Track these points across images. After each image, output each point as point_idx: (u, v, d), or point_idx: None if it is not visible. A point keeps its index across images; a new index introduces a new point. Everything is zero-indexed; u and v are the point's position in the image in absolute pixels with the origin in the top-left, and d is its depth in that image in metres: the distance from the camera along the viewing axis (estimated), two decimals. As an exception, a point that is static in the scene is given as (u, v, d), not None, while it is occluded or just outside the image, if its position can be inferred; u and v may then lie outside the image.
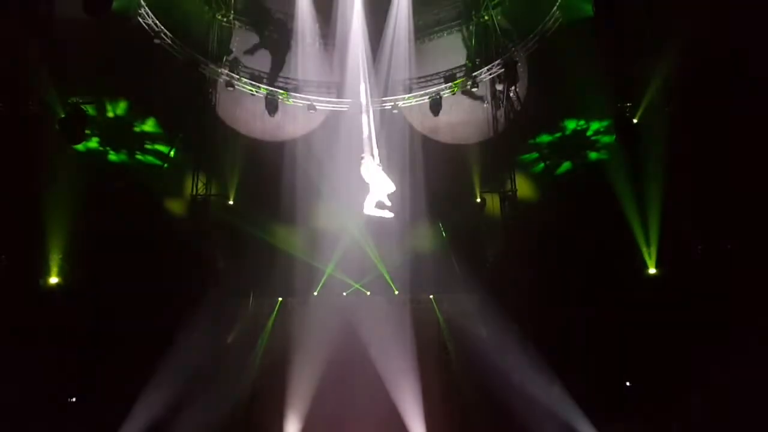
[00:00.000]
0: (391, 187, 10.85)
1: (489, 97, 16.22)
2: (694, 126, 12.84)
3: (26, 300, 12.72)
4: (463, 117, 16.58)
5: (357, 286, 14.87)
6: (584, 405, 12.74)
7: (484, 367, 13.59)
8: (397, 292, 14.86)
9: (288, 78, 16.44)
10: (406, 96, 16.30)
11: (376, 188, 10.77)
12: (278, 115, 16.04)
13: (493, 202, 15.81)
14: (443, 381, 14.43)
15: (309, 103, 16.02)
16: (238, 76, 15.63)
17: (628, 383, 14.58)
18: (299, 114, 16.33)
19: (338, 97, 16.25)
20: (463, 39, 16.69)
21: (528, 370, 13.40)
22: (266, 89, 15.86)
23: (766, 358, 11.22)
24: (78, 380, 12.91)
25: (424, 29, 16.65)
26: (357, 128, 11.45)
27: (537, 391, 13.25)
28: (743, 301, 11.80)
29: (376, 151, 10.77)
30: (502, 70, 15.49)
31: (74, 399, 13.28)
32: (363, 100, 11.56)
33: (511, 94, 15.66)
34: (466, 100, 16.47)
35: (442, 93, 16.10)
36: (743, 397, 11.57)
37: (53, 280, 13.08)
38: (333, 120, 16.12)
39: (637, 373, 14.12)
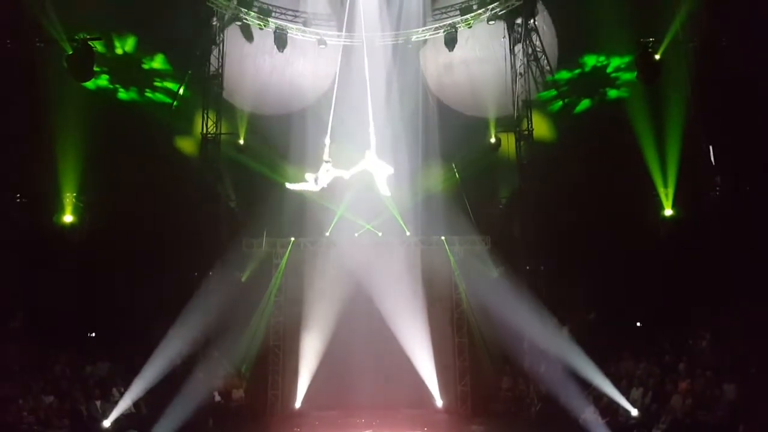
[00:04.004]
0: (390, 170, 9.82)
1: (506, 31, 15.53)
2: (718, 63, 12.31)
3: (43, 238, 13.01)
4: (479, 52, 16.00)
5: (368, 227, 14.80)
6: (594, 343, 12.80)
7: (494, 306, 13.66)
8: (408, 234, 14.78)
9: (297, 11, 15.88)
10: (420, 29, 15.63)
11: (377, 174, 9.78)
12: (287, 51, 15.58)
13: (509, 142, 15.50)
14: (453, 319, 14.58)
15: (319, 37, 15.52)
16: (246, 10, 15.13)
17: (638, 323, 14.70)
18: (309, 49, 15.88)
19: (349, 32, 15.69)
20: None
21: (538, 310, 13.47)
22: (275, 23, 15.37)
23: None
24: (96, 315, 13.30)
25: (439, -43, 15.85)
26: (371, 64, 11.01)
27: (546, 331, 13.35)
28: (759, 243, 11.59)
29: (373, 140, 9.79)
30: (521, 2, 14.80)
31: (93, 334, 13.77)
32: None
33: (530, 28, 15.03)
34: (482, 35, 15.82)
35: (457, 26, 15.46)
36: (753, 339, 11.54)
37: (68, 218, 13.29)
38: (345, 55, 15.60)
39: (647, 314, 14.19)
